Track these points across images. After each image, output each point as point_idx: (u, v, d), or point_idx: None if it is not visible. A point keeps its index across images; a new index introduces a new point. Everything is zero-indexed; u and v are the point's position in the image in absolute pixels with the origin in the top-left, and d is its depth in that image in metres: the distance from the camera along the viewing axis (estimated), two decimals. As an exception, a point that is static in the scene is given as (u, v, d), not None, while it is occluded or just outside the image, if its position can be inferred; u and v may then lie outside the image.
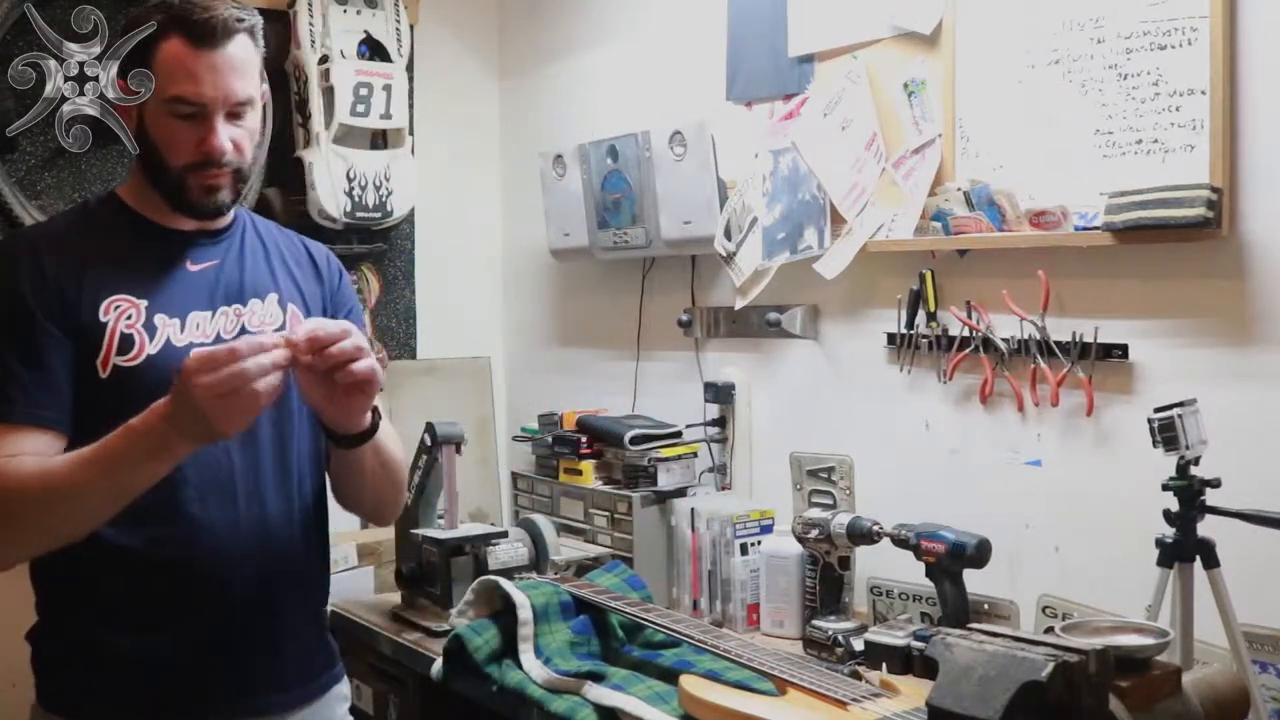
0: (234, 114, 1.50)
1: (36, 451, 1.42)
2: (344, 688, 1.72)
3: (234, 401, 1.28)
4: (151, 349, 1.49)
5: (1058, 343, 2.01)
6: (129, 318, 1.49)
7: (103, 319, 1.48)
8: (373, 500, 1.68)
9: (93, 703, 1.51)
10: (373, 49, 3.08)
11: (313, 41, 2.95)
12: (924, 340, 2.23)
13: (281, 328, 1.59)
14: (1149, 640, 1.38)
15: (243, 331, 1.55)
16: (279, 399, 1.46)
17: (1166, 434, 1.63)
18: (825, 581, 2.11)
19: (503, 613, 2.03)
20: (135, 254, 1.55)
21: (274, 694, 1.57)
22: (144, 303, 1.50)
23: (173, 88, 1.47)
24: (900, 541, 2.00)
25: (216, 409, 1.28)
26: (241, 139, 1.52)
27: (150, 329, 1.49)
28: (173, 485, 1.45)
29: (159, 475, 1.38)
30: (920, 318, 2.24)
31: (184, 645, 1.50)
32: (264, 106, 1.60)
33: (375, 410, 1.50)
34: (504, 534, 2.43)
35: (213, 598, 1.51)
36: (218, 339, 1.53)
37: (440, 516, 2.38)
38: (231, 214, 1.63)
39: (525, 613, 1.98)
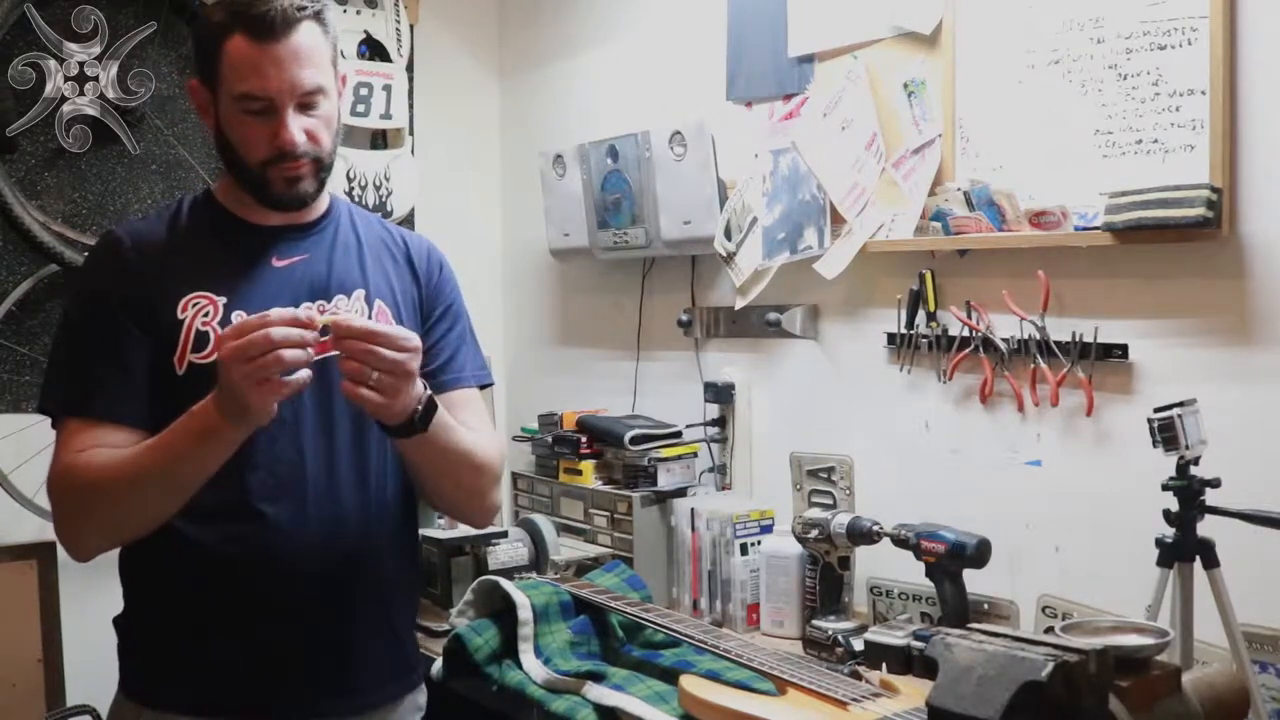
0: (305, 104, 1.48)
1: (113, 446, 1.43)
2: (418, 698, 1.69)
3: (259, 368, 1.28)
4: None
5: (1058, 343, 2.01)
6: (206, 315, 1.49)
7: (179, 316, 1.48)
8: (443, 498, 1.64)
9: (164, 692, 1.51)
10: (373, 49, 3.09)
11: (313, 41, 2.95)
12: (924, 340, 2.23)
13: None
14: (1149, 640, 1.38)
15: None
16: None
17: (1166, 434, 1.63)
18: (825, 581, 2.11)
19: (503, 613, 2.03)
20: (219, 251, 1.55)
21: (341, 696, 1.55)
22: (222, 300, 1.50)
23: (240, 85, 1.46)
24: (900, 541, 2.00)
25: (243, 375, 1.28)
26: (316, 128, 1.50)
27: (226, 326, 1.48)
28: (245, 481, 1.46)
29: (216, 461, 1.38)
30: (920, 318, 2.23)
31: (250, 641, 1.50)
32: (340, 92, 1.57)
33: (418, 413, 1.44)
34: (504, 534, 2.43)
35: (280, 596, 1.49)
36: None
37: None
38: (324, 205, 1.62)
39: (525, 613, 1.98)
